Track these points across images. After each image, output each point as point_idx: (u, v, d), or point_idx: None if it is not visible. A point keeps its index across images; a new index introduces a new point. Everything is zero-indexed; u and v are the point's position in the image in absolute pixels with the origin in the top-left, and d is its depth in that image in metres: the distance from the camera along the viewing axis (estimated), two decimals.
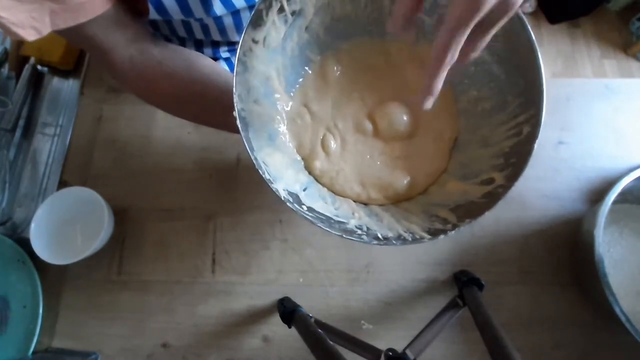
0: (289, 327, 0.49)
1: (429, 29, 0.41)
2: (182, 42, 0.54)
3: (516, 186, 0.33)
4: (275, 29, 0.38)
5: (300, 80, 0.45)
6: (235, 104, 0.33)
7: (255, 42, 0.36)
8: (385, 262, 0.56)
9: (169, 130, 0.64)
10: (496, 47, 0.37)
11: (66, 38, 0.39)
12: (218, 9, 0.42)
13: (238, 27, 0.50)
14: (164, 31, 0.51)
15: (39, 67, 0.68)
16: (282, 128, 0.42)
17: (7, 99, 0.63)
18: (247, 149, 0.32)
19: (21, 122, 0.65)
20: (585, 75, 1.46)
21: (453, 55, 0.26)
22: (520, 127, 0.35)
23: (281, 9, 0.37)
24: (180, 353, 0.55)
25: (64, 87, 0.68)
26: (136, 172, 0.62)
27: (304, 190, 0.39)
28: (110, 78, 0.67)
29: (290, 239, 0.58)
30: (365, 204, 0.42)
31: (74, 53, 0.69)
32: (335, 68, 0.44)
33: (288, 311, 0.49)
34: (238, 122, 0.32)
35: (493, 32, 0.27)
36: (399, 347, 0.41)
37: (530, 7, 1.49)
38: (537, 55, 0.33)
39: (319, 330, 0.43)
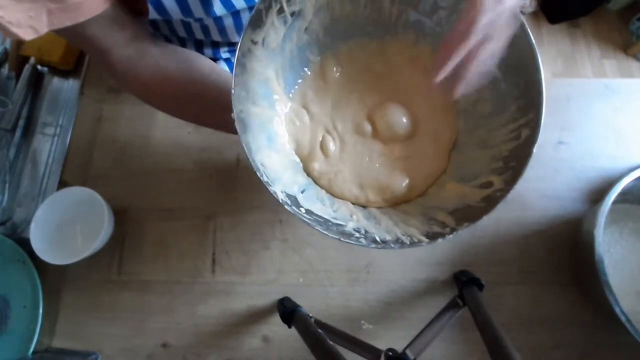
0: (289, 327, 0.49)
1: (428, 30, 0.41)
2: (182, 43, 0.54)
3: (516, 186, 0.33)
4: (274, 30, 0.38)
5: (300, 81, 0.44)
6: (233, 106, 0.32)
7: (254, 43, 0.36)
8: (386, 262, 0.56)
9: (169, 130, 0.64)
10: None
11: (64, 37, 0.39)
12: (218, 9, 0.42)
13: (238, 28, 0.50)
14: (163, 31, 0.51)
15: (39, 67, 0.68)
16: (281, 129, 0.42)
17: (7, 99, 0.63)
18: (245, 151, 0.32)
19: (21, 122, 0.65)
20: (585, 75, 1.46)
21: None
22: (519, 130, 0.35)
23: (280, 10, 0.37)
24: (180, 353, 0.55)
25: (64, 87, 0.68)
26: (136, 172, 0.62)
27: (302, 192, 0.39)
28: (108, 78, 0.67)
29: (290, 239, 0.58)
30: (364, 207, 0.42)
31: (74, 53, 0.69)
32: (334, 69, 0.44)
33: (288, 311, 0.49)
34: (236, 123, 0.32)
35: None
36: (399, 347, 0.41)
37: (530, 7, 1.49)
38: (537, 59, 0.33)
39: (319, 330, 0.43)
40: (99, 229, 0.53)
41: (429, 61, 0.43)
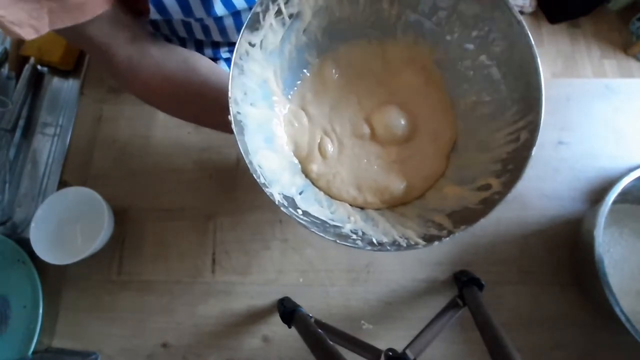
0: (289, 327, 0.49)
1: (427, 31, 0.41)
2: (183, 43, 0.54)
3: (516, 186, 0.33)
4: (272, 32, 0.38)
5: (298, 82, 0.44)
6: (230, 108, 0.32)
7: (252, 45, 0.36)
8: (386, 262, 0.56)
9: (169, 130, 0.64)
10: (495, 52, 0.37)
11: (65, 37, 0.39)
12: (219, 9, 0.42)
13: (238, 28, 0.50)
14: (164, 31, 0.51)
15: (39, 67, 0.68)
16: (280, 130, 0.42)
17: (7, 99, 0.63)
18: (242, 153, 0.32)
19: (21, 122, 0.65)
20: (585, 75, 1.46)
21: None
22: (518, 133, 0.35)
23: (278, 12, 0.37)
24: (180, 353, 0.55)
25: (64, 87, 0.68)
26: (136, 172, 0.62)
27: (300, 193, 0.39)
28: (108, 78, 0.67)
29: (290, 239, 0.58)
30: (362, 208, 0.42)
31: (74, 53, 0.69)
32: (333, 71, 0.44)
33: (288, 311, 0.49)
34: (233, 125, 0.32)
35: None
36: (399, 347, 0.41)
37: (530, 7, 1.49)
38: (537, 62, 0.33)
39: (319, 330, 0.43)
40: (99, 229, 0.53)
41: (428, 62, 0.43)
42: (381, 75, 0.44)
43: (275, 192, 0.34)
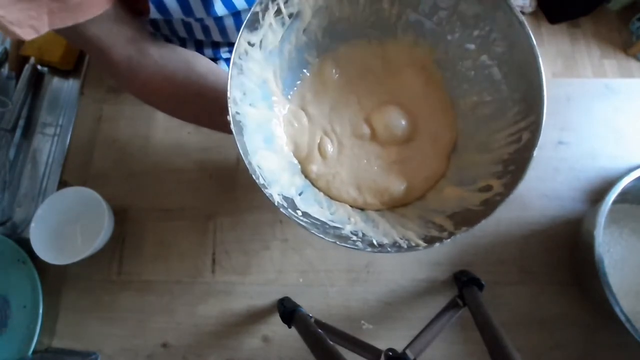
0: (289, 327, 0.49)
1: (428, 31, 0.41)
2: (183, 43, 0.54)
3: (517, 187, 0.33)
4: (272, 31, 0.38)
5: (298, 82, 0.44)
6: (229, 108, 0.32)
7: (251, 44, 0.36)
8: (385, 262, 0.56)
9: (169, 130, 0.64)
10: (497, 51, 0.37)
11: (64, 37, 0.39)
12: (219, 9, 0.42)
13: (238, 28, 0.50)
14: (164, 31, 0.51)
15: (39, 67, 0.68)
16: (279, 131, 0.42)
17: (7, 99, 0.63)
18: (241, 153, 0.32)
19: (21, 122, 0.65)
20: (585, 75, 1.46)
21: None
22: (519, 133, 0.35)
23: (278, 12, 0.37)
24: (180, 353, 0.55)
25: (64, 87, 0.68)
26: (136, 172, 0.62)
27: (300, 194, 0.39)
28: (108, 78, 0.67)
29: (290, 239, 0.58)
30: (362, 209, 0.42)
31: (74, 53, 0.69)
32: (333, 71, 0.44)
33: (288, 311, 0.49)
34: (232, 125, 0.32)
35: None
36: (399, 347, 0.41)
37: (530, 7, 1.49)
38: (539, 62, 0.33)
39: (319, 330, 0.43)
40: (99, 229, 0.53)
41: (429, 62, 0.43)
42: (381, 75, 0.44)
43: (275, 193, 0.34)
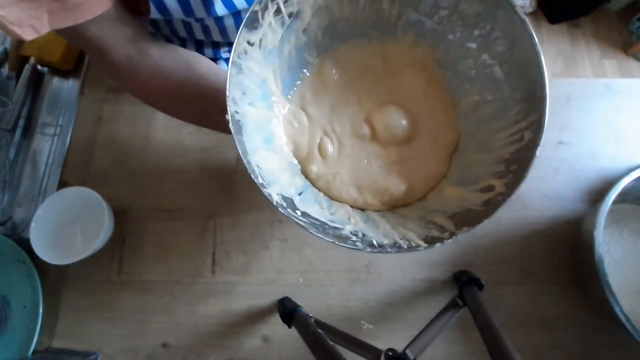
0: (289, 327, 0.49)
1: (429, 31, 0.41)
2: (183, 43, 0.54)
3: (519, 187, 0.32)
4: (271, 31, 0.38)
5: (298, 82, 0.44)
6: (228, 107, 0.32)
7: (250, 44, 0.36)
8: (385, 262, 0.56)
9: (169, 130, 0.64)
10: (498, 50, 0.37)
11: (65, 37, 0.39)
12: (219, 9, 0.42)
13: (239, 28, 0.50)
14: (164, 31, 0.51)
15: (39, 67, 0.68)
16: (279, 131, 0.42)
17: (7, 99, 0.63)
18: (240, 152, 0.32)
19: (21, 122, 0.65)
20: (585, 75, 1.46)
21: None
22: (521, 133, 0.35)
23: (278, 11, 0.36)
24: (180, 353, 0.55)
25: (64, 87, 0.68)
26: (136, 172, 0.62)
27: (300, 194, 0.39)
28: (108, 78, 0.67)
29: (290, 239, 0.58)
30: (362, 209, 0.42)
31: (74, 53, 0.69)
32: (333, 71, 0.44)
33: (288, 311, 0.49)
34: (231, 125, 0.32)
35: None
36: (399, 347, 0.41)
37: (530, 7, 1.49)
38: (541, 59, 0.33)
39: (319, 330, 0.43)
40: (99, 229, 0.53)
41: (429, 62, 0.43)
42: (381, 76, 0.44)
43: (274, 193, 0.34)
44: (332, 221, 0.37)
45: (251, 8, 0.34)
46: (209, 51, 0.56)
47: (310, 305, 0.54)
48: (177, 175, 0.62)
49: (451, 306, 0.48)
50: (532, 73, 0.34)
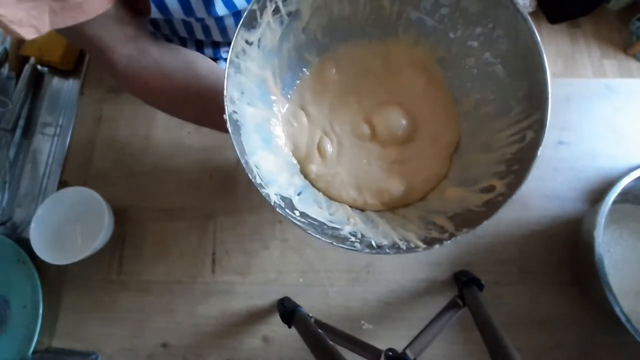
0: (289, 327, 0.49)
1: (429, 29, 0.41)
2: (183, 42, 0.54)
3: (520, 188, 0.32)
4: (270, 30, 0.37)
5: (298, 82, 0.44)
6: (226, 107, 0.32)
7: (249, 43, 0.36)
8: (385, 262, 0.56)
9: (169, 130, 0.64)
10: (500, 49, 0.37)
11: (65, 36, 0.39)
12: (220, 9, 0.42)
13: None
14: (164, 31, 0.51)
15: (39, 67, 0.68)
16: (278, 130, 0.42)
17: (7, 99, 0.63)
18: (237, 152, 0.32)
19: (21, 122, 0.65)
20: (585, 75, 1.46)
21: None
22: (523, 132, 0.34)
23: (276, 10, 0.36)
24: (180, 353, 0.55)
25: (64, 87, 0.68)
26: (136, 172, 0.62)
27: (299, 194, 0.39)
28: (108, 78, 0.67)
29: (290, 239, 0.58)
30: (362, 210, 0.42)
31: (74, 53, 0.69)
32: (333, 70, 0.44)
33: (288, 311, 0.49)
34: (228, 124, 0.32)
35: None
36: (399, 347, 0.41)
37: (530, 7, 1.49)
38: (543, 57, 0.32)
39: (319, 330, 0.43)
40: (99, 229, 0.53)
41: (430, 61, 0.43)
42: (382, 75, 0.44)
43: (272, 193, 0.34)
44: (331, 221, 0.37)
45: (249, 7, 0.33)
46: (209, 51, 0.56)
47: (310, 305, 0.54)
48: (177, 175, 0.62)
49: (451, 306, 0.48)
50: (534, 71, 0.33)
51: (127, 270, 0.58)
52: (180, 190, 0.61)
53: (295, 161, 0.43)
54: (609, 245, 0.55)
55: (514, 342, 0.37)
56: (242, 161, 0.32)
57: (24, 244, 0.55)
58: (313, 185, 0.42)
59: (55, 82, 0.68)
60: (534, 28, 0.33)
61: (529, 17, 0.33)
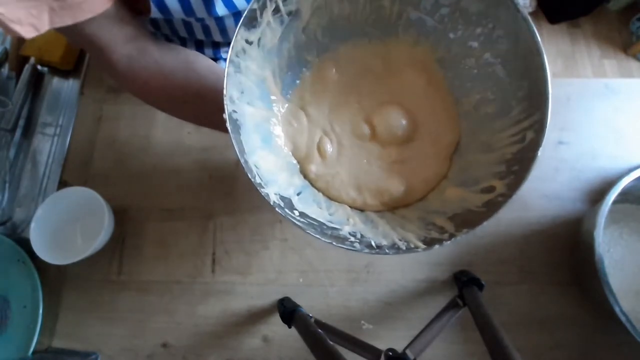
0: (289, 327, 0.49)
1: (430, 29, 0.41)
2: (183, 42, 0.54)
3: (520, 188, 0.32)
4: (270, 30, 0.37)
5: (298, 82, 0.44)
6: (225, 106, 0.32)
7: (249, 43, 0.36)
8: (385, 262, 0.56)
9: (169, 130, 0.64)
10: (500, 49, 0.37)
11: (65, 35, 0.39)
12: (220, 9, 0.42)
13: None
14: (164, 31, 0.51)
15: (39, 67, 0.68)
16: (278, 130, 0.42)
17: (7, 99, 0.63)
18: (237, 151, 0.32)
19: (21, 122, 0.65)
20: (585, 75, 1.46)
21: None
22: (523, 133, 0.34)
23: (276, 10, 0.36)
24: (180, 353, 0.55)
25: (64, 87, 0.68)
26: (136, 172, 0.62)
27: (298, 194, 0.39)
28: (108, 78, 0.67)
29: (290, 239, 0.58)
30: (362, 210, 0.42)
31: (74, 53, 0.69)
32: (333, 70, 0.44)
33: (288, 311, 0.49)
34: (228, 124, 0.32)
35: None
36: (399, 347, 0.41)
37: (530, 7, 1.49)
38: (543, 57, 0.32)
39: (319, 330, 0.43)
40: (99, 229, 0.53)
41: (431, 61, 0.43)
42: (382, 75, 0.44)
43: (271, 193, 0.34)
44: (331, 222, 0.37)
45: (249, 6, 0.33)
46: (209, 51, 0.56)
47: (310, 305, 0.54)
48: (177, 175, 0.62)
49: (451, 306, 0.48)
50: (534, 71, 0.33)
51: (127, 270, 0.58)
52: (180, 190, 0.61)
53: (295, 161, 0.43)
54: (609, 245, 0.55)
55: (514, 342, 0.37)
56: (242, 160, 0.32)
57: (24, 244, 0.55)
58: (313, 185, 0.42)
59: (55, 82, 0.68)
60: (534, 28, 0.33)
61: (529, 17, 0.33)
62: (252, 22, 0.35)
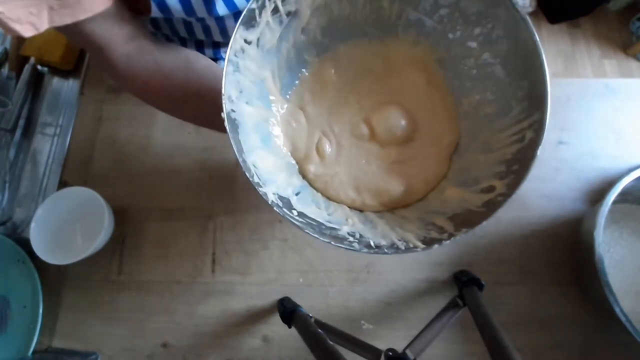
0: (289, 327, 0.49)
1: (429, 30, 0.41)
2: (183, 42, 0.54)
3: (520, 188, 0.32)
4: (269, 29, 0.37)
5: (297, 82, 0.44)
6: (224, 105, 0.32)
7: (248, 42, 0.36)
8: (385, 262, 0.56)
9: (169, 130, 0.64)
10: (499, 49, 0.37)
11: (64, 34, 0.39)
12: (220, 9, 0.42)
13: None
14: (164, 31, 0.51)
15: (39, 67, 0.68)
16: (277, 130, 0.42)
17: (7, 99, 0.63)
18: (235, 150, 0.32)
19: (21, 122, 0.65)
20: (585, 75, 1.46)
21: None
22: (523, 132, 0.35)
23: (275, 10, 0.36)
24: (180, 353, 0.55)
25: (64, 87, 0.68)
26: (136, 172, 0.62)
27: (297, 194, 0.39)
28: (108, 77, 0.67)
29: (290, 239, 0.58)
30: (361, 210, 0.42)
31: (74, 53, 0.69)
32: (332, 71, 0.44)
33: (288, 311, 0.49)
34: (226, 123, 0.32)
35: None
36: (399, 347, 0.41)
37: (530, 7, 1.49)
38: (542, 57, 0.32)
39: (319, 330, 0.43)
40: (99, 229, 0.53)
41: (430, 62, 0.43)
42: (381, 76, 0.44)
43: (270, 192, 0.34)
44: (329, 222, 0.37)
45: (248, 6, 0.33)
46: (209, 51, 0.56)
47: (310, 305, 0.54)
48: (177, 175, 0.62)
49: (451, 306, 0.48)
50: (533, 71, 0.33)
51: (127, 270, 0.58)
52: (180, 190, 0.61)
53: (293, 161, 0.43)
54: (609, 245, 0.55)
55: (514, 342, 0.37)
56: (240, 160, 0.32)
57: (24, 244, 0.55)
58: (311, 185, 0.42)
59: (55, 82, 0.68)
60: (533, 28, 0.33)
61: (528, 17, 0.33)
62: (250, 21, 0.35)
